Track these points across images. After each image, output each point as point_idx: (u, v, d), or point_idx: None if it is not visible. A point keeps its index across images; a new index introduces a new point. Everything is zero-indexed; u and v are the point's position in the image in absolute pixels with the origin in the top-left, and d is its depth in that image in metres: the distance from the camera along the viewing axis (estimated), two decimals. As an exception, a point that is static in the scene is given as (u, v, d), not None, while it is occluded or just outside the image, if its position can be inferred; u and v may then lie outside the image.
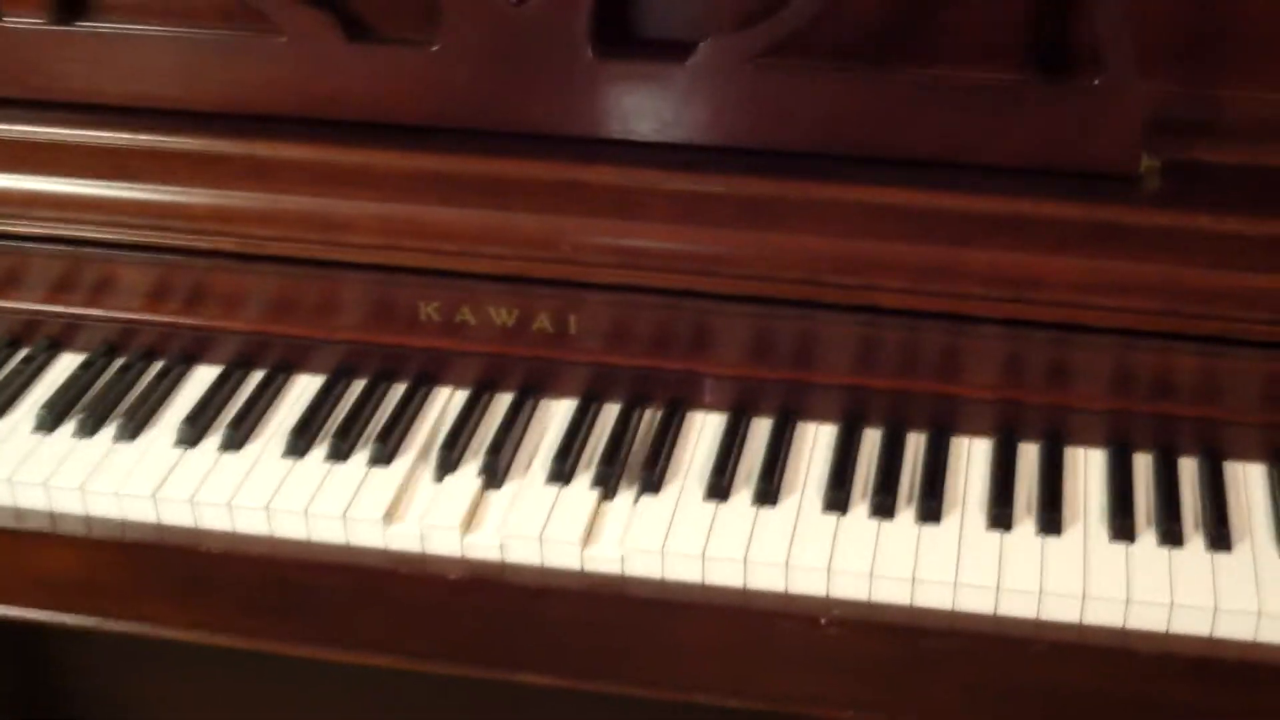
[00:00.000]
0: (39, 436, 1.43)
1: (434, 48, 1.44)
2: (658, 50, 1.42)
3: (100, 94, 1.50)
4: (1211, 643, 1.23)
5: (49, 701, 2.15)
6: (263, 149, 1.44)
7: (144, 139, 1.46)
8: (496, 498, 1.35)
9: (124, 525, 1.36)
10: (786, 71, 1.39)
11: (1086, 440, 1.39)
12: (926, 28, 1.41)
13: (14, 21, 1.51)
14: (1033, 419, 1.39)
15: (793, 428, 1.42)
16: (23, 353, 1.53)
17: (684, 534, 1.30)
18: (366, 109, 1.47)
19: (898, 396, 1.40)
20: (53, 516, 1.37)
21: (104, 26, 1.51)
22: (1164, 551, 1.27)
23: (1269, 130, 1.39)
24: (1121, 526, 1.29)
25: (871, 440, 1.40)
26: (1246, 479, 1.35)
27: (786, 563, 1.27)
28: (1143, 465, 1.37)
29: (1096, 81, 1.34)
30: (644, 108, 1.42)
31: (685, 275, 1.38)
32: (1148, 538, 1.29)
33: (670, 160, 1.41)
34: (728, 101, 1.41)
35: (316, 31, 1.45)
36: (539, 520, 1.31)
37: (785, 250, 1.36)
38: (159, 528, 1.36)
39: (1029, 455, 1.38)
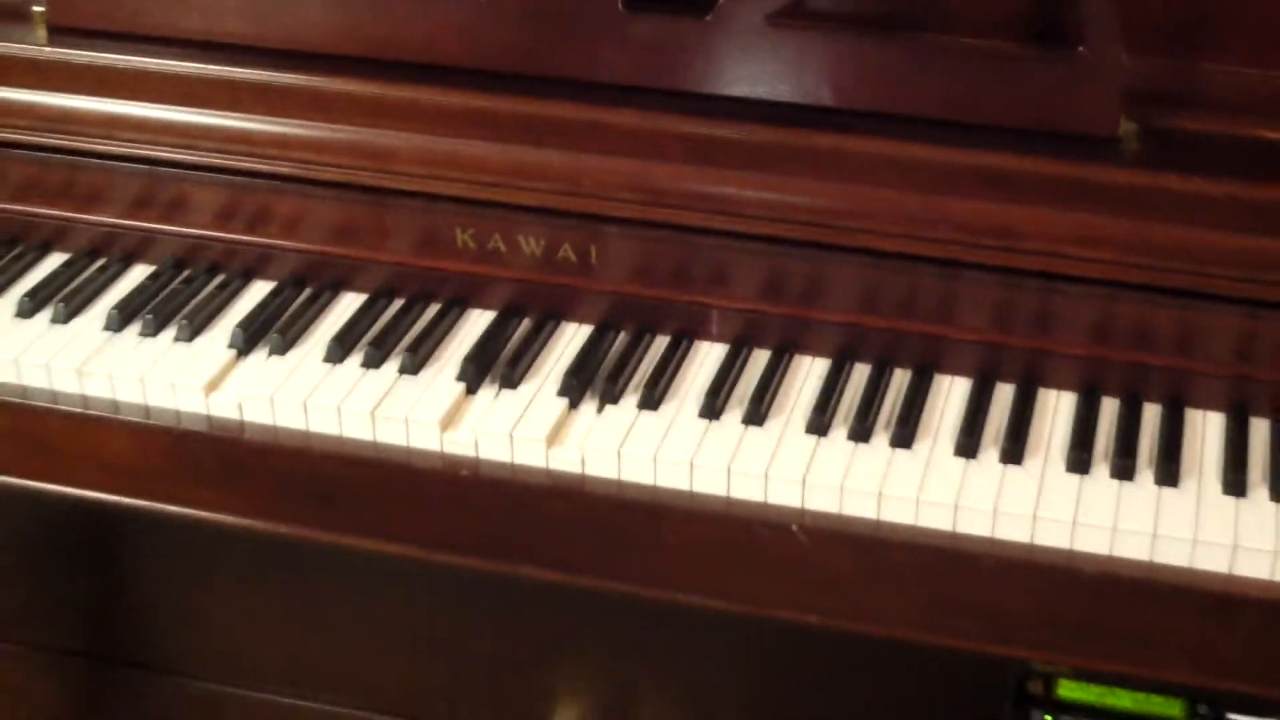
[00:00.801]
0: (108, 334, 1.58)
1: (479, -2, 1.57)
2: (682, 6, 1.54)
3: (177, 29, 1.65)
4: (1151, 566, 1.33)
5: (118, 609, 2.30)
6: (320, 83, 1.58)
7: (214, 70, 1.60)
8: (508, 405, 1.48)
9: (179, 415, 1.51)
10: (797, 30, 1.51)
11: (1059, 383, 1.48)
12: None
13: (107, -39, 1.67)
14: (1011, 361, 1.49)
15: (789, 359, 1.53)
16: (99, 262, 1.68)
17: (676, 445, 1.42)
18: (416, 51, 1.60)
19: (888, 335, 1.51)
20: (116, 404, 1.52)
21: (183, -31, 1.66)
22: (1115, 483, 1.37)
23: (1245, 102, 1.49)
24: (1078, 459, 1.39)
25: (860, 374, 1.51)
26: (1205, 425, 1.45)
27: (766, 474, 1.39)
28: (1109, 408, 1.46)
29: (1081, 49, 1.44)
30: (667, 58, 1.54)
31: (697, 213, 1.50)
32: (1101, 470, 1.39)
33: (688, 107, 1.53)
34: (742, 55, 1.52)
35: (373, -21, 1.59)
36: (545, 428, 1.44)
37: (790, 193, 1.48)
38: (209, 419, 1.50)
39: (1004, 394, 1.48)
